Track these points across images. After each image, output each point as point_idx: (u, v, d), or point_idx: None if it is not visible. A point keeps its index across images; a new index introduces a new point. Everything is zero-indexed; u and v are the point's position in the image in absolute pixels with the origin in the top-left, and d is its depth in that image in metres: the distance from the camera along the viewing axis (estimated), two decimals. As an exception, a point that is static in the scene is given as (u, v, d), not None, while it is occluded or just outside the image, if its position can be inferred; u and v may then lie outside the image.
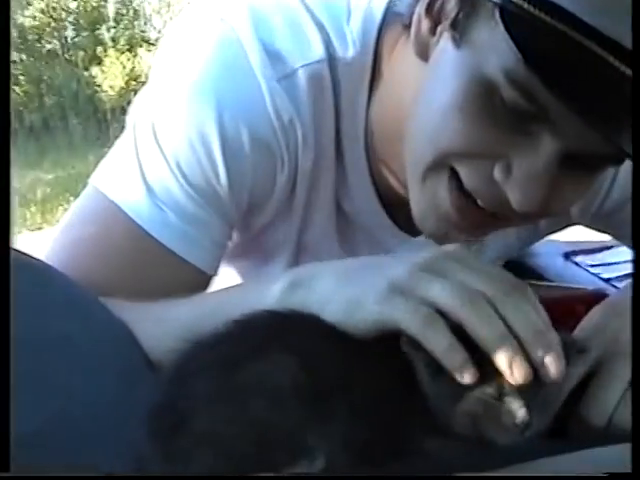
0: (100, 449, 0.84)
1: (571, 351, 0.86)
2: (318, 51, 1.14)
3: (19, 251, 0.98)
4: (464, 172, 1.03)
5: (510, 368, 0.78)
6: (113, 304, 0.98)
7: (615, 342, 0.93)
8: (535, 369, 0.79)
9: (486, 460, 0.78)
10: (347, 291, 0.88)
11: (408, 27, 1.10)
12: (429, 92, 1.07)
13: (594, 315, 0.98)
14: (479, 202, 1.05)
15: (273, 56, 1.13)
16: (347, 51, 1.15)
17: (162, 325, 0.96)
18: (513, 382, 0.78)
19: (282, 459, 0.78)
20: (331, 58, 1.15)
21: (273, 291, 0.93)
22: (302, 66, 1.13)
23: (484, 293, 0.82)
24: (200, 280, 1.14)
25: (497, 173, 1.01)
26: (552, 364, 0.79)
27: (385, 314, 0.83)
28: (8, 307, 0.57)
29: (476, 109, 1.00)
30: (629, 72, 0.92)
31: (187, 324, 0.91)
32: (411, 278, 0.85)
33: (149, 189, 1.11)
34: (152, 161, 1.12)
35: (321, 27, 1.16)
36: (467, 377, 0.78)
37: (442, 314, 0.82)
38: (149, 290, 1.04)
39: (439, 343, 0.80)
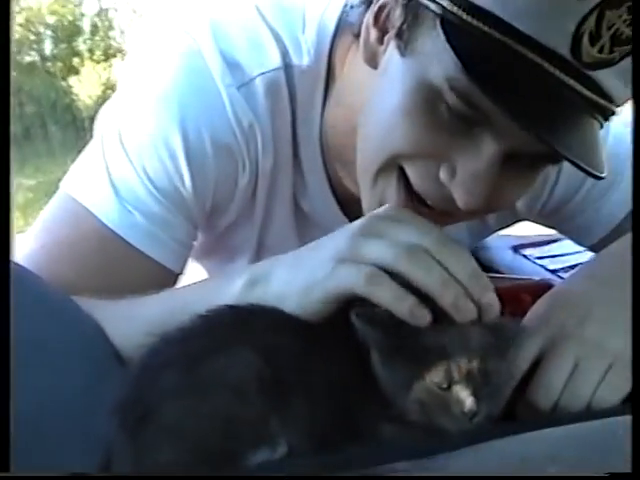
0: (72, 445, 0.83)
1: (520, 337, 0.87)
2: (275, 60, 1.15)
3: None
4: (412, 173, 1.03)
5: (455, 308, 0.80)
6: (84, 302, 0.98)
7: (561, 329, 0.92)
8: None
9: (437, 445, 0.77)
10: (299, 278, 0.89)
11: (358, 36, 1.09)
12: (378, 98, 1.07)
13: (541, 305, 0.97)
14: (427, 201, 1.04)
15: (232, 65, 1.13)
16: (302, 59, 1.16)
17: (131, 322, 0.96)
18: (459, 320, 0.81)
19: (246, 447, 0.78)
20: (287, 66, 1.15)
21: (234, 287, 0.93)
22: (260, 74, 1.14)
23: (421, 245, 0.84)
24: (167, 278, 1.14)
25: (442, 174, 1.01)
26: (490, 303, 0.82)
27: (334, 284, 0.85)
28: (8, 308, 0.55)
29: (421, 114, 1.00)
30: (563, 77, 0.93)
31: (154, 320, 0.91)
32: (350, 245, 0.87)
33: (117, 192, 1.11)
34: (119, 165, 1.11)
35: (277, 37, 1.16)
36: (420, 319, 0.80)
37: (386, 271, 0.83)
38: (118, 288, 1.04)
39: (385, 295, 0.82)
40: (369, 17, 1.06)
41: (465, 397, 0.78)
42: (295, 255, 0.95)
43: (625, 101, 1.01)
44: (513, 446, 0.77)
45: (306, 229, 1.22)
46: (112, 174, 1.12)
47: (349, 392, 0.82)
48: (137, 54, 1.25)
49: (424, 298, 0.82)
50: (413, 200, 1.05)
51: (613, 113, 1.01)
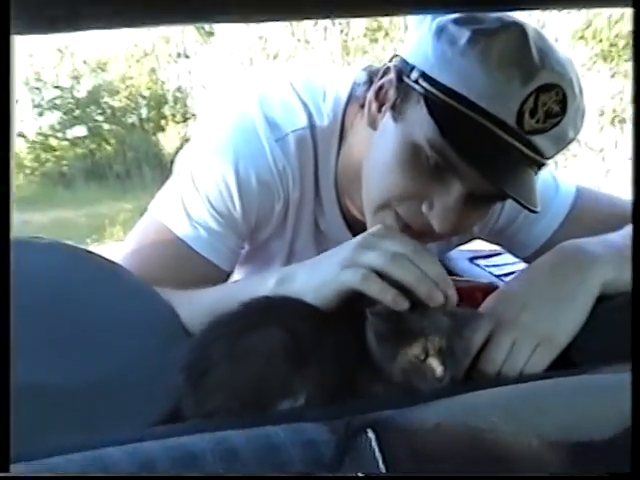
0: (149, 395, 0.81)
1: (473, 321, 0.88)
2: (302, 121, 1.14)
3: (101, 256, 0.97)
4: (401, 209, 1.03)
5: (428, 297, 0.83)
6: (162, 291, 0.97)
7: (503, 318, 0.92)
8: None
9: (414, 399, 0.76)
10: (315, 278, 0.90)
11: (363, 106, 1.10)
12: (376, 153, 1.07)
13: (489, 300, 0.97)
14: (414, 227, 1.04)
15: (272, 124, 1.13)
16: (323, 121, 1.15)
17: (195, 306, 0.95)
18: (432, 305, 0.83)
19: (274, 398, 0.78)
20: (312, 126, 1.15)
21: (268, 284, 0.94)
22: (292, 131, 1.13)
23: (403, 253, 0.86)
24: (220, 276, 1.13)
25: (424, 208, 1.02)
26: (452, 293, 0.85)
27: (339, 282, 0.87)
28: (8, 309, 0.52)
29: (408, 165, 1.01)
30: (511, 140, 0.96)
31: (211, 306, 0.90)
32: (352, 254, 0.88)
33: (187, 213, 1.11)
34: (189, 193, 1.11)
35: (305, 105, 1.15)
36: (401, 305, 0.83)
37: (378, 273, 0.85)
38: (186, 282, 1.04)
39: (374, 289, 0.84)
40: (371, 93, 1.07)
41: (436, 366, 0.79)
42: (312, 261, 0.95)
43: (553, 156, 1.02)
44: (469, 399, 0.77)
45: (323, 243, 1.21)
46: (184, 200, 1.12)
47: (350, 361, 0.82)
48: (206, 115, 1.27)
49: (406, 291, 0.83)
50: (402, 227, 1.05)
51: (544, 165, 1.03)
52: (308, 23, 8.50)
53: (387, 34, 8.45)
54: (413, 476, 0.69)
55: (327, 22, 8.54)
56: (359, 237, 0.92)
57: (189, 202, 1.11)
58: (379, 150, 1.06)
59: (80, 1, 0.79)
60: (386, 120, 1.05)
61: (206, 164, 1.11)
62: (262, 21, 1.26)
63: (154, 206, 1.16)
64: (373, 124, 1.08)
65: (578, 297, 0.93)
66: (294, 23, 8.47)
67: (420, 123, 0.98)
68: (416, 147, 0.99)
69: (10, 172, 0.59)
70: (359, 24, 8.62)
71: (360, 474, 0.66)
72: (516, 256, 1.29)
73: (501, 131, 0.95)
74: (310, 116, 1.15)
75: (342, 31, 8.60)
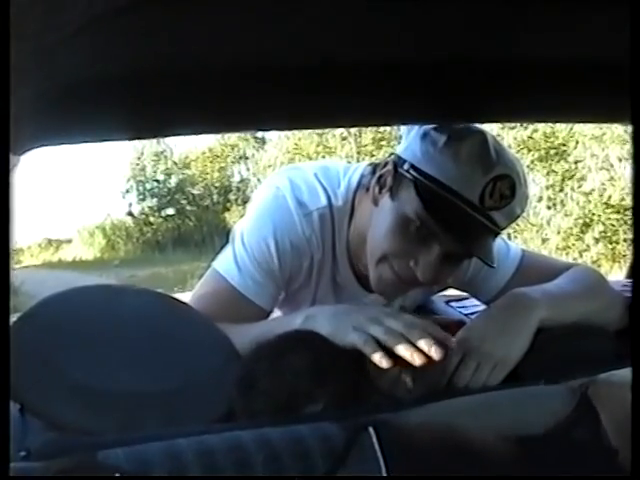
0: (211, 399, 0.81)
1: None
2: (324, 202, 1.13)
3: (177, 299, 0.98)
4: (395, 264, 1.03)
5: (412, 358, 0.80)
6: (220, 325, 0.95)
7: (470, 346, 0.90)
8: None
9: (403, 405, 0.76)
10: (331, 325, 0.88)
11: (367, 190, 1.10)
12: (377, 223, 1.06)
13: (461, 333, 0.94)
14: (403, 277, 1.04)
15: (301, 204, 1.12)
16: (338, 202, 1.14)
17: (244, 336, 0.93)
18: (416, 364, 0.80)
19: (301, 404, 0.77)
20: (330, 205, 1.13)
21: (297, 321, 0.93)
22: (315, 209, 1.12)
23: (393, 328, 0.84)
24: (263, 315, 1.11)
25: (411, 264, 1.01)
26: (433, 352, 0.81)
27: (347, 339, 0.85)
28: (8, 310, 0.52)
29: (400, 231, 1.01)
30: (475, 214, 0.97)
31: (256, 336, 0.89)
32: (362, 323, 0.86)
33: (239, 268, 1.10)
34: (241, 254, 1.10)
35: (325, 189, 1.14)
36: (384, 363, 0.80)
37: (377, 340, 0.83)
38: (236, 319, 1.02)
39: (369, 352, 0.82)
40: (375, 180, 1.08)
41: (408, 382, 0.81)
42: (332, 310, 0.94)
43: (505, 227, 1.03)
44: (445, 405, 0.77)
45: (338, 292, 1.19)
46: (237, 258, 1.10)
47: (356, 377, 0.81)
48: (253, 199, 1.28)
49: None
50: (395, 277, 1.04)
51: (499, 233, 1.04)
52: (330, 134, 8.64)
53: (389, 143, 8.53)
54: (413, 476, 0.67)
55: (345, 133, 8.67)
56: (372, 310, 0.92)
57: (241, 259, 1.10)
58: (379, 221, 1.06)
59: (163, 114, 0.80)
60: (385, 199, 1.05)
61: (254, 232, 1.11)
62: (291, 129, 1.28)
63: (216, 262, 1.15)
64: (375, 202, 1.07)
65: (524, 330, 0.92)
66: (319, 134, 8.62)
67: (410, 201, 0.99)
68: (407, 219, 1.00)
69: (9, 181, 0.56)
70: (368, 135, 8.73)
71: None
72: (479, 300, 1.27)
73: (469, 208, 0.96)
74: (329, 198, 1.14)
75: (356, 140, 8.72)
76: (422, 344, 0.81)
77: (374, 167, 1.12)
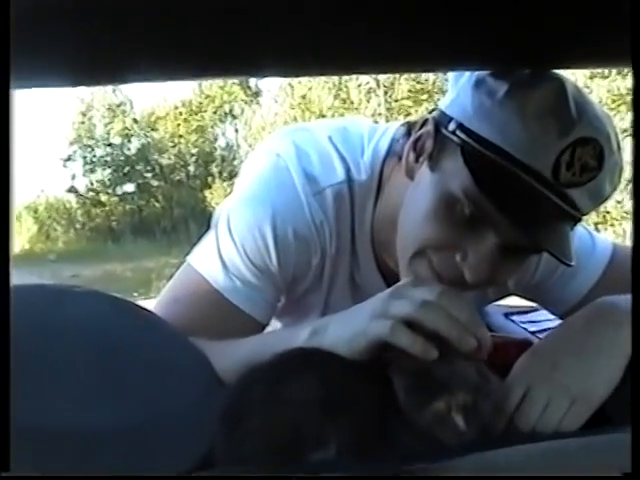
0: (184, 439, 0.82)
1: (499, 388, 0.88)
2: (340, 175, 1.14)
3: (138, 305, 0.99)
4: (435, 259, 1.03)
5: (461, 343, 0.82)
6: (197, 341, 0.97)
7: (537, 376, 0.90)
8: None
9: (444, 452, 0.76)
10: (346, 330, 0.89)
11: (401, 159, 1.10)
12: (412, 201, 1.07)
13: (525, 358, 0.95)
14: (445, 277, 1.03)
15: (310, 178, 1.13)
16: (360, 176, 1.15)
17: (231, 357, 0.95)
18: (463, 351, 0.83)
19: (307, 449, 0.77)
20: (349, 180, 1.14)
21: (302, 336, 0.94)
22: (329, 186, 1.13)
23: (432, 300, 0.85)
24: (256, 327, 1.13)
25: (458, 257, 1.01)
26: (484, 336, 0.85)
27: (369, 334, 0.86)
28: (8, 310, 0.53)
29: (443, 215, 1.00)
30: (546, 192, 0.95)
31: (247, 356, 0.91)
32: (382, 305, 0.88)
33: (224, 265, 1.11)
34: (227, 246, 1.12)
35: (343, 159, 1.16)
36: (430, 355, 0.82)
37: (409, 322, 0.85)
38: (220, 333, 1.04)
39: (402, 340, 0.83)
40: (409, 144, 1.08)
41: (459, 421, 0.79)
42: (344, 314, 0.95)
43: (590, 212, 1.02)
44: (501, 455, 0.76)
45: (358, 296, 1.19)
46: (222, 252, 1.12)
47: (381, 411, 0.81)
48: (246, 169, 1.27)
49: (435, 340, 0.83)
50: (435, 276, 1.04)
51: (580, 220, 1.02)
52: (351, 84, 8.61)
53: (431, 97, 8.51)
54: (413, 476, 0.69)
55: (372, 84, 8.64)
56: (389, 289, 0.92)
57: (226, 254, 1.11)
58: (415, 199, 1.06)
59: (121, 53, 0.81)
60: (423, 170, 1.05)
61: (244, 217, 1.12)
62: (297, 75, 1.29)
63: (192, 257, 1.16)
64: (410, 174, 1.07)
65: (613, 354, 0.90)
66: (337, 84, 8.58)
67: (456, 173, 0.98)
68: (452, 197, 0.99)
69: (10, 182, 0.58)
70: (403, 87, 8.70)
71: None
72: (552, 312, 1.27)
73: (536, 183, 0.95)
74: (348, 170, 1.15)
75: (386, 92, 8.68)
76: (471, 322, 0.84)
77: (409, 128, 1.13)
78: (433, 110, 1.10)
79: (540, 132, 0.94)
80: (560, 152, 0.94)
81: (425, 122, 1.07)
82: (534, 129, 0.94)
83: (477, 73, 1.01)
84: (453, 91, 1.04)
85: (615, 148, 0.98)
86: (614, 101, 6.32)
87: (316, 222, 1.12)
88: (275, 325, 1.24)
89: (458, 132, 1.00)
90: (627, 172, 0.98)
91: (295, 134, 1.23)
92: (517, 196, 0.95)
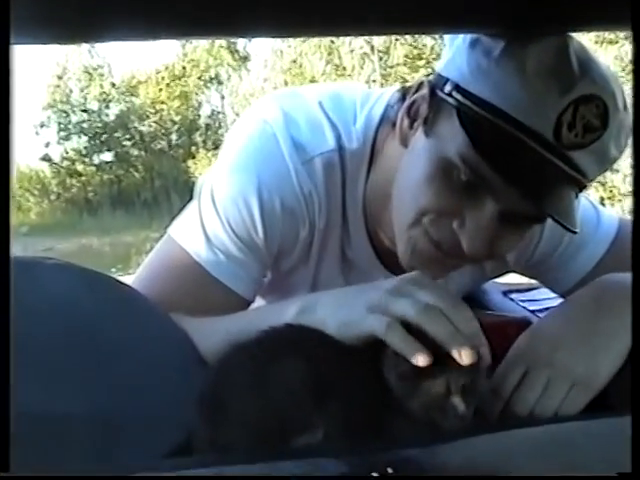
0: (162, 425, 0.82)
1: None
2: (331, 143, 1.14)
3: (114, 278, 0.99)
4: (431, 226, 1.03)
5: (459, 354, 0.78)
6: (178, 317, 0.97)
7: (536, 357, 0.91)
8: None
9: (437, 437, 0.75)
10: (339, 315, 0.88)
11: (395, 126, 1.10)
12: (407, 170, 1.07)
13: (523, 338, 0.95)
14: (443, 247, 1.04)
15: (299, 146, 1.12)
16: (352, 144, 1.14)
17: (213, 335, 0.94)
18: (462, 363, 0.79)
19: (291, 433, 0.77)
20: (340, 148, 1.14)
21: (289, 312, 0.93)
22: (319, 154, 1.13)
23: (436, 306, 0.83)
24: (240, 304, 1.12)
25: (455, 225, 1.01)
26: (484, 352, 0.82)
27: (364, 327, 0.84)
28: (8, 310, 0.53)
29: (439, 181, 1.01)
30: (548, 155, 0.95)
31: (230, 334, 0.89)
32: (381, 300, 0.86)
33: (207, 237, 1.11)
34: (210, 217, 1.11)
35: (334, 126, 1.15)
36: (422, 362, 0.78)
37: (407, 323, 0.82)
38: (203, 309, 1.03)
39: (397, 341, 0.80)
40: (403, 110, 1.07)
41: (459, 404, 0.78)
42: (338, 294, 0.94)
43: (596, 176, 1.01)
44: (495, 440, 0.76)
45: (349, 272, 1.20)
46: (204, 223, 1.11)
47: (372, 395, 0.81)
48: (230, 135, 1.26)
49: (430, 344, 0.81)
50: (433, 247, 1.04)
51: (585, 186, 1.02)
52: (344, 49, 8.57)
53: (429, 63, 8.49)
54: (413, 476, 0.69)
55: (366, 49, 8.61)
56: (393, 281, 0.91)
57: (209, 226, 1.11)
58: (410, 167, 1.06)
59: (103, 10, 0.80)
60: (418, 136, 1.05)
61: (228, 187, 1.11)
62: (287, 36, 1.29)
63: (173, 229, 1.16)
64: (404, 141, 1.08)
65: (617, 336, 0.90)
66: (330, 48, 8.55)
67: (452, 137, 0.99)
68: (448, 162, 0.99)
69: (9, 180, 0.59)
70: (399, 52, 8.68)
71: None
72: (552, 291, 1.28)
73: (537, 145, 0.94)
74: (339, 138, 1.14)
75: (381, 58, 8.66)
76: (472, 332, 0.82)
77: (404, 92, 1.13)
78: (430, 74, 1.10)
79: (540, 90, 0.94)
80: (561, 111, 0.93)
81: (420, 86, 1.07)
82: (533, 87, 0.94)
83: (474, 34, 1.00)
84: (449, 52, 1.04)
85: (621, 107, 0.98)
86: (623, 69, 6.33)
87: (304, 192, 1.12)
88: (260, 303, 1.24)
89: (454, 93, 1.00)
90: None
91: (284, 99, 1.22)
92: (517, 159, 0.95)
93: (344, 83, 1.37)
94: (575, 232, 0.99)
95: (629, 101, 1.00)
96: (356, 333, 0.85)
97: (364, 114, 1.17)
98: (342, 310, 0.88)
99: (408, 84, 1.18)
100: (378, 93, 1.22)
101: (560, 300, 1.19)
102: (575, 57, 0.95)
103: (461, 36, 1.02)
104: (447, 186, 1.00)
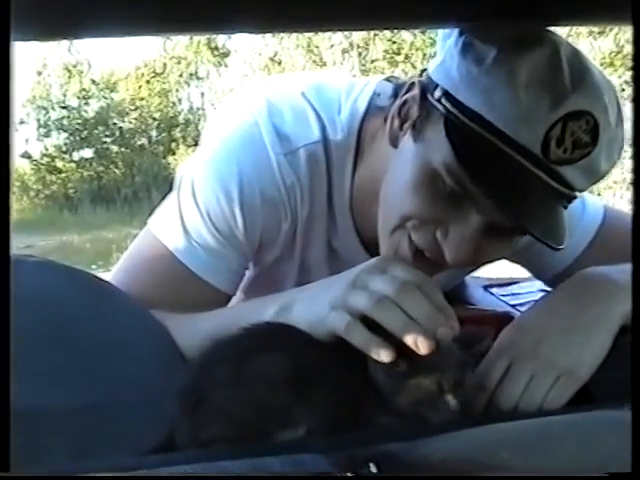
0: (143, 421, 0.81)
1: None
2: (315, 134, 1.13)
3: (93, 275, 0.99)
4: (414, 233, 1.01)
5: (416, 345, 0.78)
6: (157, 313, 0.97)
7: (520, 350, 0.91)
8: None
9: (419, 432, 0.76)
10: (307, 314, 0.89)
11: (385, 121, 1.08)
12: (394, 172, 1.05)
13: (507, 331, 0.95)
14: (426, 254, 1.02)
15: (282, 136, 1.11)
16: (337, 135, 1.13)
17: (192, 331, 0.94)
18: (421, 353, 0.79)
19: (273, 428, 0.77)
20: (325, 140, 1.13)
21: (269, 311, 0.93)
22: (303, 145, 1.12)
23: (389, 296, 0.83)
24: (220, 298, 1.12)
25: (438, 234, 0.99)
26: (444, 334, 0.81)
27: (327, 326, 0.85)
28: (8, 308, 0.53)
29: (424, 188, 0.98)
30: (535, 170, 0.92)
31: (210, 330, 0.89)
32: (341, 295, 0.86)
33: (185, 230, 1.10)
34: (189, 210, 1.10)
35: (318, 116, 1.14)
36: (383, 356, 0.79)
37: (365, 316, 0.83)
38: (182, 305, 1.03)
39: (357, 339, 0.81)
40: (395, 109, 1.05)
41: (451, 400, 0.79)
42: (310, 291, 0.94)
43: (585, 189, 1.00)
44: (477, 434, 0.76)
45: (336, 263, 1.19)
46: (183, 215, 1.11)
47: (354, 390, 0.81)
48: (211, 124, 1.25)
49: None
50: (416, 252, 1.03)
51: (575, 197, 0.99)
52: (324, 45, 8.57)
53: (407, 58, 8.50)
54: (412, 476, 0.69)
55: (345, 44, 8.60)
56: (352, 273, 0.90)
57: (188, 218, 1.10)
58: (398, 170, 1.04)
59: (85, 6, 0.79)
60: (407, 139, 1.03)
61: (207, 178, 1.10)
62: (267, 32, 1.28)
63: (152, 221, 1.15)
64: (394, 141, 1.06)
65: (600, 328, 0.91)
66: (309, 44, 8.54)
67: (439, 146, 0.96)
68: (433, 171, 0.97)
69: (9, 182, 0.59)
70: (378, 47, 8.68)
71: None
72: (538, 278, 1.27)
73: (524, 159, 0.92)
74: (324, 129, 1.13)
75: (360, 54, 8.65)
76: (430, 318, 0.82)
77: (396, 87, 1.11)
78: (424, 71, 1.06)
79: (529, 103, 0.91)
80: (550, 126, 0.91)
81: (411, 86, 1.05)
82: (523, 100, 0.91)
83: (464, 36, 0.97)
84: (440, 54, 1.01)
85: (613, 121, 0.95)
86: (611, 63, 6.34)
87: (286, 184, 1.11)
88: (247, 296, 1.24)
89: (443, 100, 0.97)
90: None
91: (267, 88, 1.21)
92: (502, 173, 0.93)
93: (327, 73, 1.34)
94: (559, 249, 0.96)
95: (626, 112, 0.97)
96: (323, 332, 0.85)
97: (349, 104, 1.16)
98: (310, 308, 0.89)
99: (398, 78, 1.18)
100: (363, 82, 1.20)
101: (540, 294, 1.20)
102: (568, 68, 0.93)
103: (452, 38, 0.99)
104: (432, 194, 0.98)
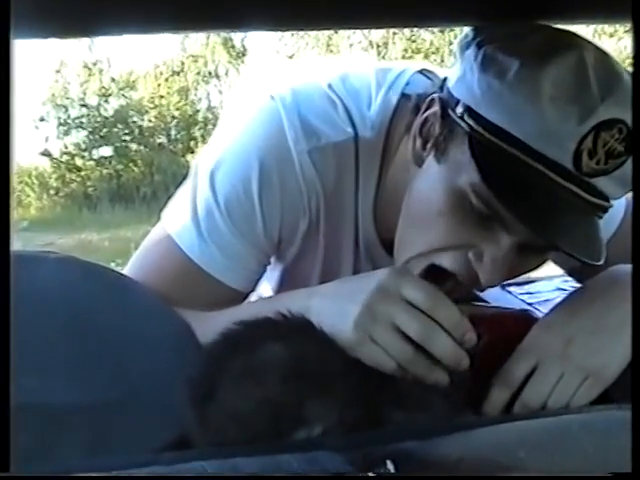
0: (164, 414, 0.82)
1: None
2: (344, 130, 1.09)
3: (114, 270, 1.01)
4: (445, 260, 0.98)
5: (443, 356, 0.82)
6: (180, 311, 0.96)
7: (549, 350, 0.91)
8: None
9: (437, 430, 0.76)
10: (328, 321, 0.87)
11: (409, 130, 1.05)
12: (418, 194, 1.02)
13: (535, 330, 0.95)
14: (459, 278, 0.99)
15: (307, 131, 1.07)
16: (366, 132, 1.09)
17: (208, 329, 0.91)
18: (449, 365, 0.82)
19: (288, 426, 0.77)
20: (355, 137, 1.09)
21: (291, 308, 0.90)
22: (330, 142, 1.08)
23: (419, 306, 0.84)
24: (234, 296, 1.10)
25: (471, 256, 0.96)
26: (470, 341, 0.84)
27: (344, 342, 0.85)
28: (8, 306, 0.54)
29: (452, 213, 0.96)
30: (567, 184, 0.90)
31: (224, 325, 0.88)
32: (375, 306, 0.86)
33: (198, 227, 1.08)
34: (206, 205, 1.08)
35: (348, 111, 1.10)
36: (415, 370, 0.81)
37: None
38: (197, 303, 1.02)
39: (366, 358, 0.84)
40: (416, 127, 1.03)
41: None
42: (336, 289, 0.94)
43: (621, 196, 0.97)
44: (495, 433, 0.77)
45: (359, 261, 1.17)
46: (198, 210, 1.08)
47: (371, 387, 0.82)
48: (231, 111, 1.21)
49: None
50: (445, 278, 1.00)
51: (610, 207, 0.96)
52: (343, 44, 8.57)
53: (427, 57, 8.47)
54: (413, 476, 0.69)
55: (364, 43, 8.61)
56: (383, 280, 0.89)
57: (203, 215, 1.08)
58: (420, 193, 1.01)
59: (103, 4, 0.79)
60: (430, 159, 1.00)
61: (227, 173, 1.07)
62: (284, 30, 1.27)
63: (165, 215, 1.13)
64: (419, 161, 1.02)
65: (629, 327, 0.87)
66: (328, 44, 8.54)
67: (464, 166, 0.93)
68: (460, 193, 0.94)
69: (9, 182, 0.59)
70: (397, 46, 8.67)
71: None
72: (561, 267, 1.26)
73: (555, 175, 0.89)
74: (353, 125, 1.09)
75: (379, 53, 8.64)
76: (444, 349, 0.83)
77: (418, 98, 1.06)
78: (444, 81, 1.03)
79: (557, 117, 0.88)
80: (580, 139, 0.87)
81: (432, 102, 1.01)
82: (550, 114, 0.88)
83: (483, 49, 0.94)
84: (459, 67, 0.98)
85: None
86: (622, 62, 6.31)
87: (307, 182, 1.08)
88: (270, 291, 1.23)
89: (466, 117, 0.94)
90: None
91: (291, 77, 1.16)
92: (532, 192, 0.90)
93: (355, 61, 1.28)
94: (598, 266, 0.94)
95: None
96: (347, 344, 0.85)
97: (379, 99, 1.12)
98: (330, 317, 0.88)
99: (431, 69, 1.16)
100: (395, 72, 1.15)
101: (557, 293, 1.19)
102: (595, 76, 0.89)
103: (471, 49, 0.96)
104: (459, 218, 0.95)
